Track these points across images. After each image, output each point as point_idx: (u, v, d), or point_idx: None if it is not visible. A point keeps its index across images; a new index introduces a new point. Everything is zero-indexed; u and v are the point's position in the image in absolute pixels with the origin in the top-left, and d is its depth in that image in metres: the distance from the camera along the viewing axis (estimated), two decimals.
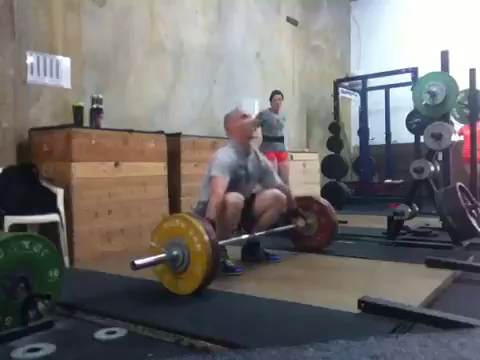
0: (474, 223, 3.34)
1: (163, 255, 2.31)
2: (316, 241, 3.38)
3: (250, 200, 3.03)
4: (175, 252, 2.30)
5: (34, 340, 1.80)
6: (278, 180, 3.24)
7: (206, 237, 2.26)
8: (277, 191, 3.08)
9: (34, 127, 3.50)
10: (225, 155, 2.92)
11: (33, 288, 1.94)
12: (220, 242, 2.47)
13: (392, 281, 2.64)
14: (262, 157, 3.21)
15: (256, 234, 3.02)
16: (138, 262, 2.16)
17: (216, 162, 2.86)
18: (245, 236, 3.01)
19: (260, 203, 3.05)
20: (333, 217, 3.38)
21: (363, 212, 5.89)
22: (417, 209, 3.95)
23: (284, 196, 3.07)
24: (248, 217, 2.99)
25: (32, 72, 3.57)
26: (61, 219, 3.14)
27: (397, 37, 7.96)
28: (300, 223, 3.29)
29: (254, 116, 3.07)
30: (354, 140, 8.54)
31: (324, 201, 3.46)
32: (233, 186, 2.81)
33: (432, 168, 3.78)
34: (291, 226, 3.30)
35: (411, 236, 3.93)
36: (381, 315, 1.94)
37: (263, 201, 3.05)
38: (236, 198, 2.73)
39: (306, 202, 3.40)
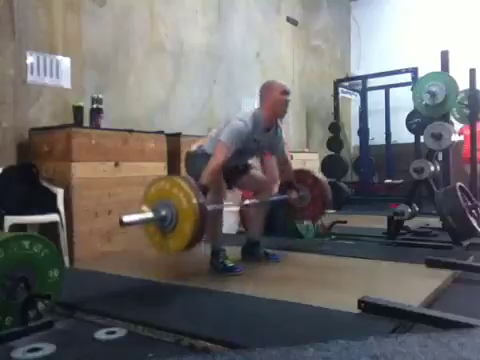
0: (474, 223, 3.34)
1: (151, 215, 2.33)
2: (309, 211, 3.47)
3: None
4: (163, 212, 2.33)
5: (34, 340, 1.80)
6: (285, 153, 3.24)
7: (193, 196, 2.28)
8: (269, 182, 3.26)
9: (34, 127, 3.50)
10: (242, 124, 2.77)
11: (33, 288, 1.93)
12: (210, 207, 2.49)
13: (392, 281, 2.63)
14: (281, 132, 3.14)
15: (248, 202, 3.19)
16: (126, 219, 2.16)
17: (231, 127, 2.76)
18: (235, 208, 3.14)
19: (250, 180, 3.16)
20: (326, 190, 3.45)
21: (363, 212, 5.86)
22: (417, 209, 3.94)
23: (272, 186, 3.26)
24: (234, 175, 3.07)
25: (32, 72, 3.57)
26: (61, 219, 3.14)
27: (397, 37, 7.95)
28: (293, 195, 3.34)
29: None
30: (354, 140, 8.53)
31: (318, 174, 3.56)
32: (238, 154, 2.79)
33: (432, 168, 3.77)
34: (284, 196, 3.36)
35: (411, 236, 3.93)
36: (381, 315, 1.94)
37: (254, 181, 3.18)
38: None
39: (301, 175, 3.47)
